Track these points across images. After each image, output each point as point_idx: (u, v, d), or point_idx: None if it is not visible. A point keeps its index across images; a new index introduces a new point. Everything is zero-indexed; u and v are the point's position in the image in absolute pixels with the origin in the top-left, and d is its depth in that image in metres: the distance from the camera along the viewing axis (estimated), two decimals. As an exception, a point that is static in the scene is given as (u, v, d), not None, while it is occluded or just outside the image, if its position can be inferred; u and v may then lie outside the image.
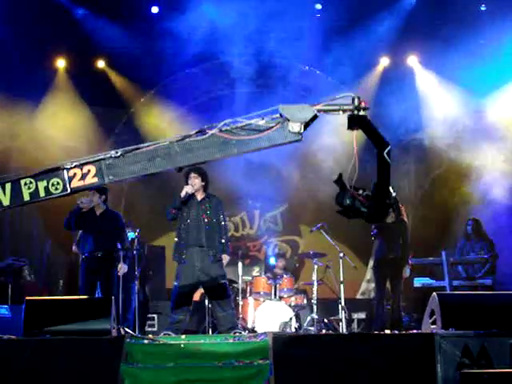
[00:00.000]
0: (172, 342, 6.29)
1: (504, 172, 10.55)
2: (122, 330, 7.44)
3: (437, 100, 11.29)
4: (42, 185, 4.90)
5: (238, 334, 7.15)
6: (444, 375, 5.75)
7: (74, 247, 8.82)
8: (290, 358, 5.88)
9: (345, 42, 11.19)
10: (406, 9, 11.09)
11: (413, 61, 11.72)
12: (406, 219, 8.99)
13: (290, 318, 9.42)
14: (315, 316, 9.46)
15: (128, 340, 6.13)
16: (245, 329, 8.97)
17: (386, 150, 4.69)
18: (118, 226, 8.47)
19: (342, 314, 9.10)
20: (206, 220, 7.62)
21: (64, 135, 11.44)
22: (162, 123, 12.23)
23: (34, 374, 5.74)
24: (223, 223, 7.76)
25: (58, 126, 11.35)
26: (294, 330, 9.34)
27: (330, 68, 11.65)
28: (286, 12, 10.67)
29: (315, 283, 9.74)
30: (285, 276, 10.04)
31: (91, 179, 4.86)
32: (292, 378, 5.79)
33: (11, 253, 10.42)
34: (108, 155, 4.78)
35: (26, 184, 4.90)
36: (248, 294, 9.98)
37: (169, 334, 7.21)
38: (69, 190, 4.87)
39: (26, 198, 4.92)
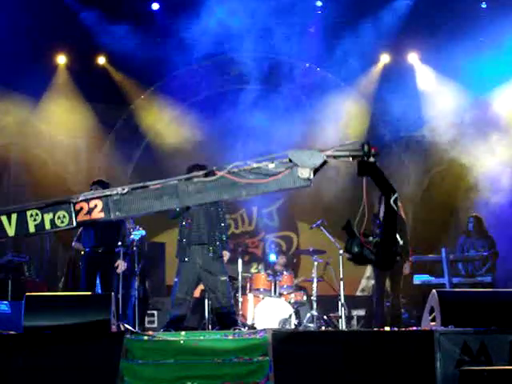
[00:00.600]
0: (172, 339, 6.29)
1: (507, 164, 10.55)
2: (121, 326, 7.45)
3: (437, 97, 11.29)
4: (47, 217, 4.90)
5: (237, 330, 7.16)
6: (443, 372, 5.76)
7: (74, 243, 8.83)
8: (289, 355, 5.89)
9: (345, 39, 11.19)
10: (406, 6, 11.07)
11: (413, 58, 11.71)
12: (404, 216, 8.98)
13: (290, 315, 9.43)
14: (315, 313, 9.46)
15: (128, 336, 6.14)
16: (244, 325, 8.98)
17: (393, 198, 4.70)
18: (118, 221, 8.45)
19: (342, 311, 9.10)
20: (206, 217, 7.61)
21: (64, 132, 11.47)
22: (162, 120, 12.24)
23: (34, 370, 5.75)
24: (223, 220, 7.76)
25: (58, 122, 11.37)
26: (293, 326, 9.34)
27: (330, 65, 11.67)
28: (286, 9, 10.67)
29: (315, 280, 9.75)
30: (285, 273, 10.04)
31: (97, 214, 4.87)
32: (291, 374, 5.79)
33: (11, 249, 10.42)
34: (115, 191, 4.81)
35: (31, 216, 4.89)
36: (248, 291, 9.98)
37: (169, 331, 7.22)
38: (74, 224, 4.88)
39: (32, 229, 4.91)
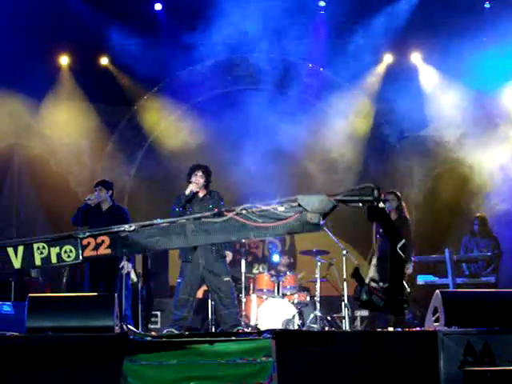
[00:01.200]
0: (175, 339, 6.28)
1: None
2: (125, 326, 7.44)
3: (441, 97, 11.25)
4: (54, 251, 4.97)
5: (240, 331, 7.14)
6: (447, 373, 5.73)
7: None
8: (293, 356, 5.88)
9: (348, 39, 11.17)
10: (410, 5, 11.04)
11: (416, 58, 11.68)
12: (407, 216, 8.96)
13: (293, 316, 9.41)
14: (318, 313, 9.44)
15: (131, 337, 6.13)
16: (248, 326, 8.97)
17: (400, 245, 4.70)
18: (123, 221, 8.42)
19: (345, 312, 9.08)
20: (208, 217, 7.59)
21: (67, 132, 11.46)
22: (165, 121, 12.23)
23: (37, 371, 5.75)
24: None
25: (61, 122, 11.36)
26: (296, 327, 9.33)
27: (333, 65, 11.65)
28: (289, 9, 10.66)
29: (318, 280, 9.73)
30: (288, 273, 10.03)
31: (104, 250, 4.95)
32: (295, 375, 5.79)
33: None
34: (122, 228, 4.89)
35: (38, 248, 4.97)
36: (251, 292, 9.96)
37: (172, 331, 7.21)
38: (81, 259, 4.96)
39: (38, 262, 4.98)
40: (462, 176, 10.85)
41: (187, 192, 7.56)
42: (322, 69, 12.00)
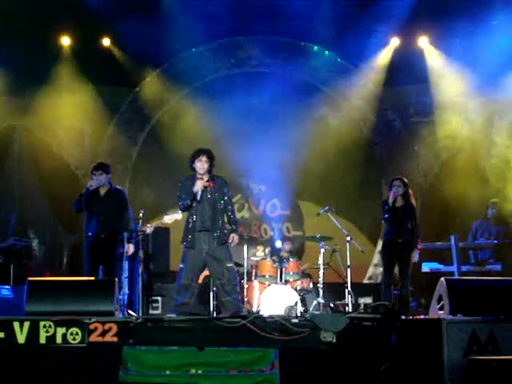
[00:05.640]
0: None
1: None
2: (126, 312, 7.37)
3: (448, 81, 11.14)
4: (60, 331, 5.15)
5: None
6: (451, 361, 5.71)
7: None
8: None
9: (354, 22, 11.03)
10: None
11: (423, 42, 11.54)
12: (414, 203, 8.87)
13: (296, 302, 9.33)
14: (321, 300, 9.37)
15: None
16: (249, 312, 8.90)
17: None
18: (121, 203, 8.31)
19: (349, 299, 9.02)
20: (211, 202, 7.50)
21: (68, 114, 11.41)
22: (168, 103, 12.14)
23: (36, 355, 5.68)
24: (229, 204, 7.64)
25: (62, 104, 11.29)
26: (299, 314, 9.25)
27: (339, 49, 11.54)
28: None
29: (321, 267, 9.65)
30: (291, 259, 9.95)
31: (111, 337, 5.11)
32: (297, 362, 5.72)
33: (14, 232, 10.37)
34: (129, 319, 5.10)
35: (44, 327, 5.10)
36: (253, 277, 9.90)
37: (173, 317, 7.13)
38: (86, 343, 5.10)
39: (42, 340, 5.11)
40: (469, 162, 10.75)
41: (195, 189, 7.42)
42: (327, 52, 11.88)
